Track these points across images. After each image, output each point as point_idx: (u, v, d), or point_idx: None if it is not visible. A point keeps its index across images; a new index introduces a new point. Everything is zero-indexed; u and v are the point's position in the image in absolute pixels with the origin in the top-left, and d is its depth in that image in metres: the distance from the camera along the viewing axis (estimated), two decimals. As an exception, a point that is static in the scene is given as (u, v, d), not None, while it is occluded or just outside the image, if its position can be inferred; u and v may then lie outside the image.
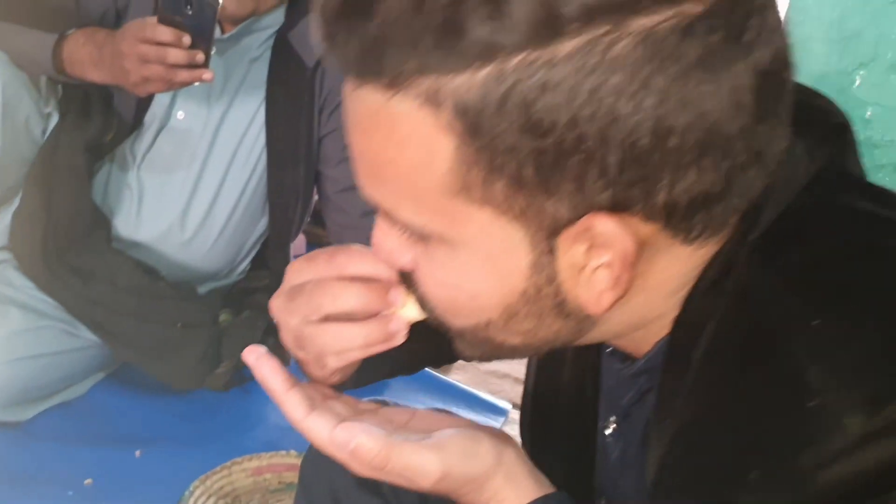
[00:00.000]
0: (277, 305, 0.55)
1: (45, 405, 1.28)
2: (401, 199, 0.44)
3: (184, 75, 1.14)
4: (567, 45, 0.38)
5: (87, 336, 1.32)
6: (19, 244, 1.30)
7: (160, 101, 1.34)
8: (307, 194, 1.55)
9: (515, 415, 1.50)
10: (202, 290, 1.47)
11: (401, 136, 0.42)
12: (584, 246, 0.43)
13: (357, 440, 0.48)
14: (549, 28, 0.38)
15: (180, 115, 1.36)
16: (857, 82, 1.51)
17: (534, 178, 0.41)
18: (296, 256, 1.71)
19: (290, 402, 0.51)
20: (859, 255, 0.43)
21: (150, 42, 1.11)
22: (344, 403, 0.55)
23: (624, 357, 0.54)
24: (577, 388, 0.59)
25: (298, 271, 0.55)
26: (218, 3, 1.13)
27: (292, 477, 1.14)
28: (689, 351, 0.45)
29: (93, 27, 1.22)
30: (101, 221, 1.35)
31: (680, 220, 0.42)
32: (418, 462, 0.48)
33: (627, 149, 0.39)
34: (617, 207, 0.41)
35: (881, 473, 0.39)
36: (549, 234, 0.43)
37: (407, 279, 0.51)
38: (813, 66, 1.50)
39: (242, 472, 1.12)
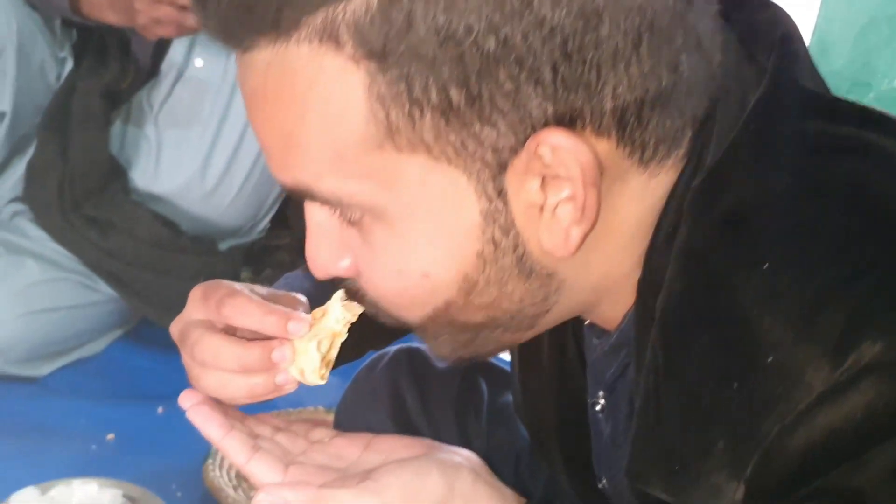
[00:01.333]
0: (173, 331, 0.55)
1: (62, 361, 1.25)
2: (321, 168, 0.40)
3: (194, 20, 1.10)
4: None
5: (105, 290, 1.29)
6: (34, 195, 1.26)
7: (178, 48, 1.29)
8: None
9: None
10: (223, 246, 1.43)
11: (304, 89, 0.38)
12: (537, 180, 0.39)
13: (284, 501, 0.46)
14: None
15: (198, 62, 1.31)
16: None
17: (463, 103, 0.36)
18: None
19: (230, 447, 0.49)
20: (807, 191, 0.39)
21: None
22: (293, 436, 0.53)
23: (601, 332, 0.51)
24: (562, 366, 0.56)
25: (194, 304, 0.53)
26: None
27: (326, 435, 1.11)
28: (652, 316, 0.41)
29: None
30: (118, 172, 1.31)
31: (633, 129, 0.39)
32: None
33: (557, 48, 0.36)
34: (562, 121, 0.37)
35: (855, 430, 0.34)
36: (495, 173, 0.39)
37: (350, 292, 0.48)
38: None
39: (269, 427, 1.08)
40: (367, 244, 0.43)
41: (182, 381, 1.36)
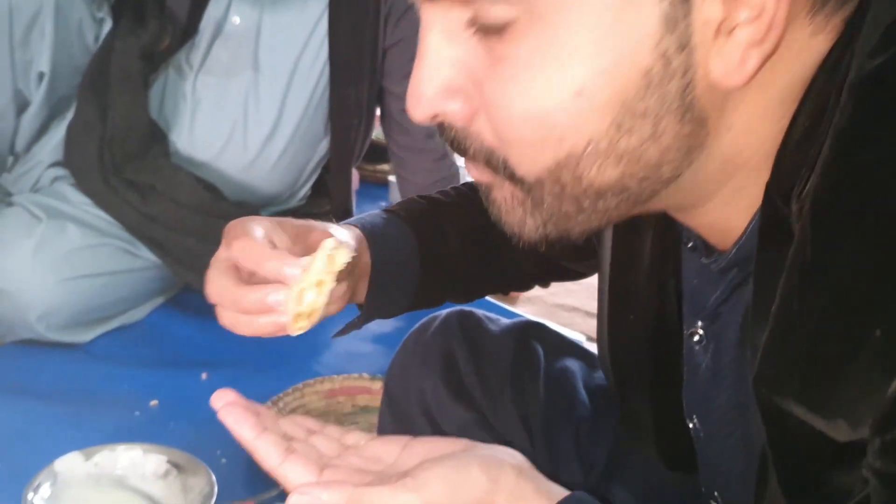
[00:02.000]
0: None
1: (104, 327, 1.24)
2: None
3: None
4: None
5: (147, 256, 1.27)
6: (74, 159, 1.25)
7: (215, 4, 1.26)
8: (370, 113, 1.47)
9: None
10: (263, 213, 1.41)
11: None
12: None
13: (319, 501, 0.45)
14: None
15: (235, 19, 1.28)
16: None
17: None
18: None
19: (262, 449, 0.48)
20: None
21: None
22: (327, 439, 0.53)
23: (711, 251, 0.47)
24: (658, 294, 0.52)
25: (222, 241, 0.54)
26: None
27: (366, 400, 1.08)
28: (785, 217, 0.38)
29: None
30: (158, 135, 1.29)
31: None
32: None
33: None
34: None
35: None
36: None
37: (456, 143, 0.41)
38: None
39: (315, 394, 1.06)
40: (506, 62, 0.38)
41: (225, 348, 1.35)
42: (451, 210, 0.69)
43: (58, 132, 1.26)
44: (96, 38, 1.25)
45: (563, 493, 0.47)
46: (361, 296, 0.61)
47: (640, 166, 0.39)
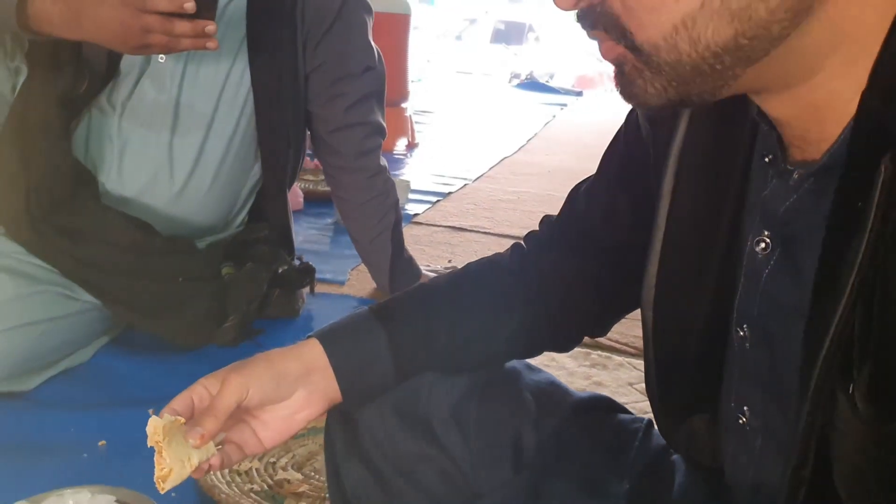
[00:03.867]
0: None
1: (49, 373, 1.24)
2: None
3: (187, 44, 1.09)
4: None
5: (87, 298, 1.27)
6: (2, 209, 1.25)
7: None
8: (298, 136, 1.49)
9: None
10: (200, 244, 1.42)
11: None
12: None
13: None
14: None
15: (161, 57, 1.29)
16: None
17: None
18: (295, 213, 1.68)
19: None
20: None
21: (152, 11, 1.05)
22: None
23: (784, 163, 0.50)
24: (719, 203, 0.55)
25: None
26: None
27: (315, 421, 1.10)
28: (882, 122, 0.40)
29: None
30: (85, 178, 1.29)
31: None
32: None
33: None
34: None
35: None
36: None
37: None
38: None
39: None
40: None
41: (172, 384, 1.34)
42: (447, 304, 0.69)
43: (-17, 184, 1.26)
44: (13, 89, 1.25)
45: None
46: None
47: (750, 24, 0.42)
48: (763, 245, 0.52)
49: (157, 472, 0.62)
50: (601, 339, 1.54)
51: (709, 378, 0.58)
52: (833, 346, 0.42)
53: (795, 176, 0.49)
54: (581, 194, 0.72)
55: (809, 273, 0.46)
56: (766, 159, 0.52)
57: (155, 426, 0.62)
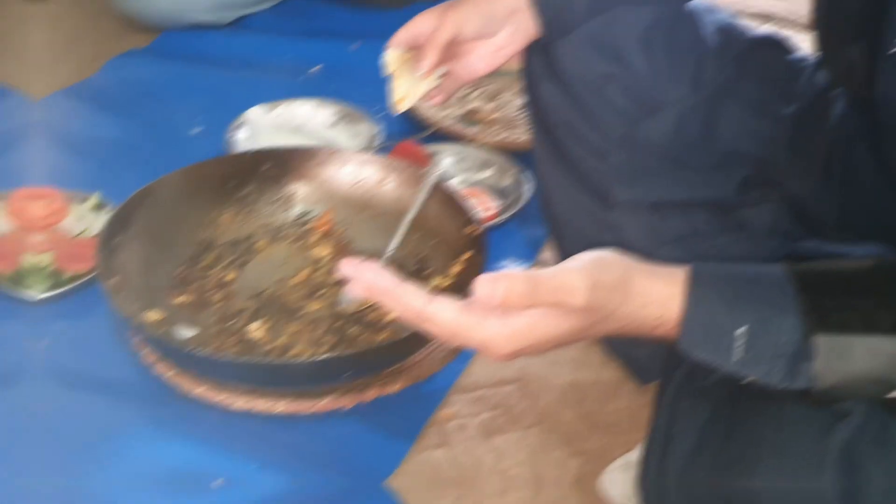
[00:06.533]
0: None
1: (253, 9, 1.28)
2: None
3: None
4: None
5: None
6: None
7: None
8: None
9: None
10: None
11: None
12: None
13: (503, 286, 0.44)
14: None
15: None
16: None
17: None
18: None
19: (409, 292, 0.47)
20: None
21: None
22: None
23: None
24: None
25: None
26: None
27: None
28: None
29: None
30: None
31: None
32: (565, 280, 0.45)
33: None
34: None
35: None
36: None
37: None
38: None
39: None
40: None
41: (373, 19, 1.37)
42: None
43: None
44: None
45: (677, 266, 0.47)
46: None
47: None
48: None
49: (394, 97, 0.72)
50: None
51: (869, 5, 0.57)
52: None
53: None
54: None
55: None
56: None
57: (392, 57, 0.71)
